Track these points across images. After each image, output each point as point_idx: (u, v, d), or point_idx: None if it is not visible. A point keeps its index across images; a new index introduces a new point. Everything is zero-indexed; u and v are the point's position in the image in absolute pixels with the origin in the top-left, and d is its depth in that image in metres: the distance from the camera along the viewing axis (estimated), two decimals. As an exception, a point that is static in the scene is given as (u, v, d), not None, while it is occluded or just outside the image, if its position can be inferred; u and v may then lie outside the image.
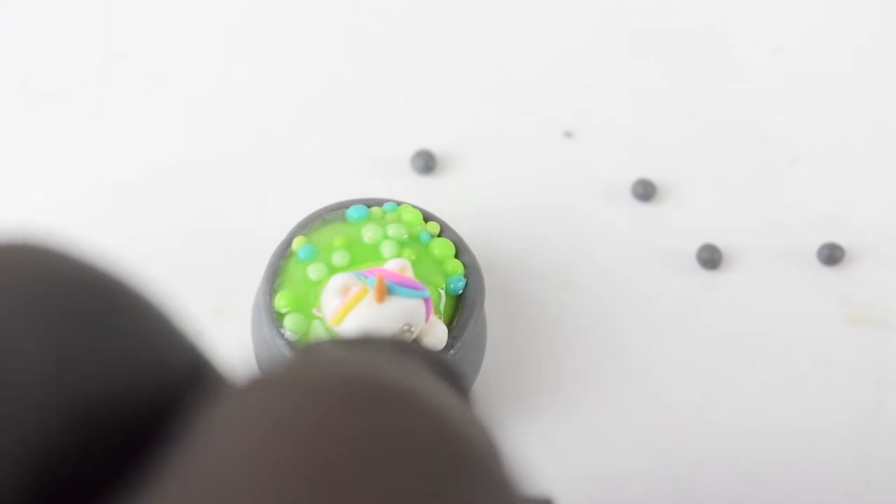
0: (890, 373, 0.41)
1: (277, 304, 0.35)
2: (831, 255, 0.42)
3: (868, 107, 0.47)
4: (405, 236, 0.36)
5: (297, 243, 0.36)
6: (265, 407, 0.18)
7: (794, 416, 0.40)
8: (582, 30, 0.48)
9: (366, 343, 0.23)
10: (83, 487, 0.19)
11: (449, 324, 0.35)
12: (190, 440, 0.18)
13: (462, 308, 0.36)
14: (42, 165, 0.44)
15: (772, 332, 0.41)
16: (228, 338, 0.40)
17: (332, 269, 0.35)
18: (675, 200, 0.44)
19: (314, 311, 0.35)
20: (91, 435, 0.19)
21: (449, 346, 0.35)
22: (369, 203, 0.37)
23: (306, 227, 0.37)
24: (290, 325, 0.35)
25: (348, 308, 0.33)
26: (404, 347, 0.23)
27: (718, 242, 0.43)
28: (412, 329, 0.34)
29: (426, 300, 0.34)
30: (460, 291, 0.36)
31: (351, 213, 0.37)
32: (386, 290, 0.33)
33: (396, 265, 0.34)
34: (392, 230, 0.36)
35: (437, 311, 0.35)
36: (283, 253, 0.36)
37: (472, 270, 0.36)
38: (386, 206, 0.37)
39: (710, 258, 0.42)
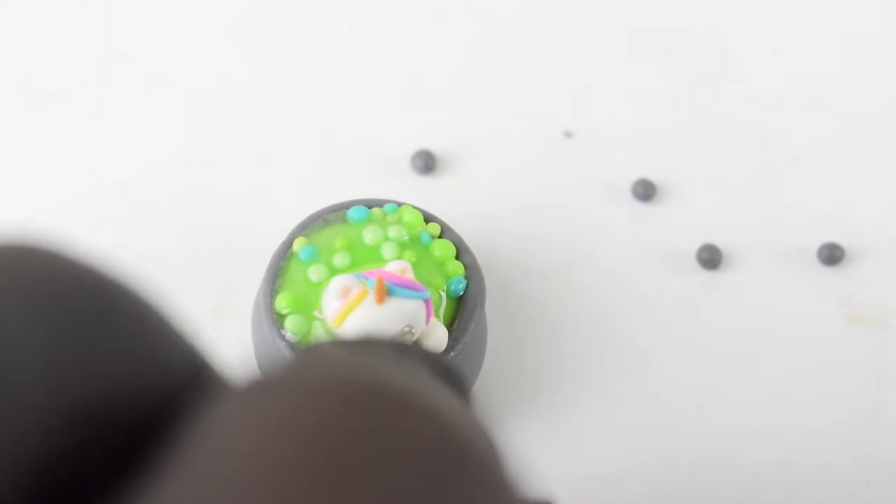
0: (890, 373, 0.41)
1: (278, 305, 0.35)
2: (831, 255, 0.42)
3: (868, 107, 0.47)
4: (406, 238, 0.36)
5: (298, 244, 0.36)
6: (265, 408, 0.18)
7: (794, 416, 0.40)
8: (582, 30, 0.48)
9: (366, 345, 0.23)
10: (83, 488, 0.19)
11: (449, 325, 0.35)
12: (190, 441, 0.18)
13: (463, 310, 0.36)
14: (42, 165, 0.44)
15: (772, 332, 0.41)
16: (228, 338, 0.40)
17: (333, 271, 0.35)
18: (675, 200, 0.44)
19: (315, 313, 0.35)
20: (91, 435, 0.19)
21: (449, 347, 0.35)
22: (370, 204, 0.37)
23: (307, 227, 0.37)
24: (291, 326, 0.35)
25: (349, 310, 0.33)
26: (405, 349, 0.23)
27: (718, 242, 0.43)
28: (413, 331, 0.34)
29: (426, 301, 0.34)
30: (461, 293, 0.36)
31: (352, 214, 0.37)
32: (386, 292, 0.33)
33: (397, 267, 0.34)
34: (393, 232, 0.36)
35: (438, 314, 0.35)
36: (284, 254, 0.36)
37: (472, 272, 0.36)
38: (386, 207, 0.37)
39: (710, 258, 0.42)
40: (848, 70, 0.48)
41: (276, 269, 0.36)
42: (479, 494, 0.19)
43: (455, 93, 0.46)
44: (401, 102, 0.46)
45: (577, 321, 0.41)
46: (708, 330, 0.41)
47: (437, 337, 0.34)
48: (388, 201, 0.38)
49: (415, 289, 0.33)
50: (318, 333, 0.35)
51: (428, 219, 0.37)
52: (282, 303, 0.35)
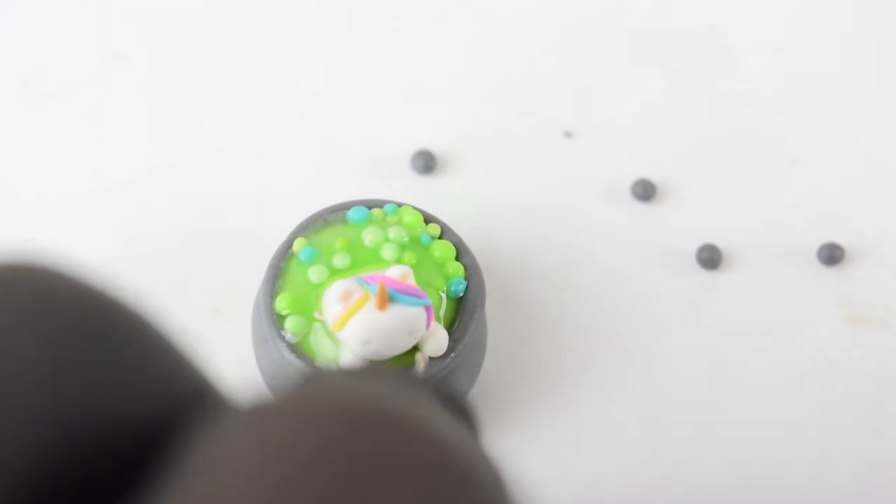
0: (890, 373, 0.41)
1: (278, 306, 0.35)
2: (831, 255, 0.42)
3: (868, 107, 0.47)
4: (406, 239, 0.36)
5: (298, 245, 0.36)
6: (267, 431, 0.18)
7: (794, 415, 0.40)
8: (582, 30, 0.48)
9: (368, 372, 0.23)
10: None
11: (449, 326, 0.35)
12: (191, 461, 0.18)
13: (463, 311, 0.36)
14: (42, 165, 0.44)
15: (772, 332, 0.41)
16: (228, 338, 0.40)
17: (333, 272, 0.35)
18: (675, 200, 0.44)
19: (315, 314, 0.35)
20: (89, 451, 0.19)
21: (450, 348, 0.35)
22: (370, 204, 0.37)
23: (307, 228, 0.37)
24: (291, 327, 0.35)
25: (349, 314, 0.33)
26: (407, 377, 0.23)
27: (718, 242, 0.43)
28: (413, 335, 0.34)
29: (427, 307, 0.34)
30: (461, 294, 0.36)
31: (352, 214, 0.37)
32: (387, 298, 0.33)
33: (398, 272, 0.34)
34: (393, 233, 0.36)
35: (438, 316, 0.35)
36: (284, 254, 0.36)
37: (472, 273, 0.36)
38: (387, 207, 0.37)
39: (710, 258, 0.42)
40: (848, 70, 0.48)
41: (276, 269, 0.36)
42: None
43: (455, 93, 0.46)
44: (401, 102, 0.46)
45: (577, 321, 0.41)
46: (708, 330, 0.41)
47: (437, 341, 0.34)
48: (388, 202, 0.37)
49: (416, 295, 0.33)
50: (319, 335, 0.35)
51: (428, 220, 0.37)
52: (282, 303, 0.35)
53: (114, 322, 0.20)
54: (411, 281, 0.34)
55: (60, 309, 0.19)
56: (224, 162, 0.44)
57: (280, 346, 0.35)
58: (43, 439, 0.18)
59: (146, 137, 0.45)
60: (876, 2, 0.50)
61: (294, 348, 0.35)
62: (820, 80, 0.47)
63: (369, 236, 0.36)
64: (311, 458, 0.17)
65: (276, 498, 0.17)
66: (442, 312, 0.35)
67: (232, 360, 0.39)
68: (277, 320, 0.35)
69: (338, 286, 0.34)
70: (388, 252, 0.36)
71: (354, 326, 0.33)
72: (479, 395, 0.39)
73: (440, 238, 0.37)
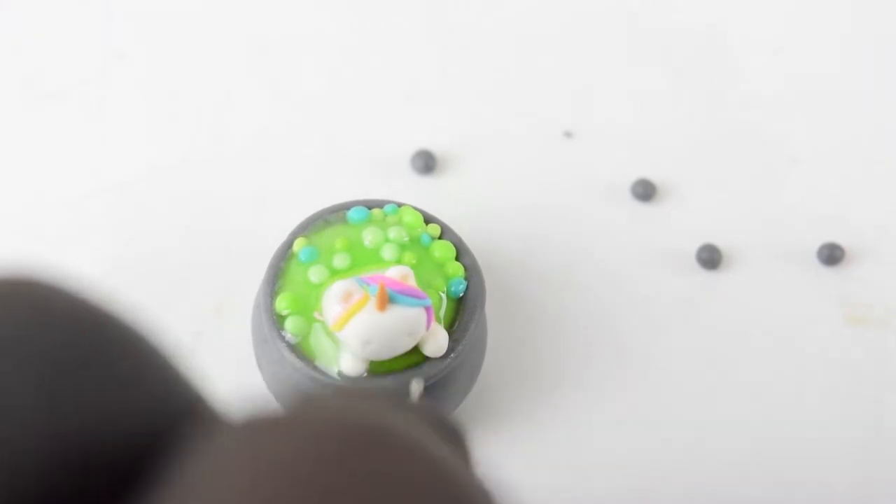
0: (890, 373, 0.41)
1: (278, 306, 0.35)
2: (831, 255, 0.42)
3: (868, 107, 0.47)
4: (406, 239, 0.36)
5: (298, 245, 0.36)
6: (260, 446, 0.18)
7: (794, 415, 0.40)
8: (582, 30, 0.48)
9: (364, 393, 0.23)
10: None
11: (449, 327, 0.35)
12: (184, 477, 0.18)
13: (463, 311, 0.36)
14: (42, 165, 0.44)
15: (772, 332, 0.41)
16: (228, 338, 0.40)
17: (333, 272, 0.35)
18: (675, 200, 0.44)
19: (315, 315, 0.35)
20: (84, 466, 0.19)
21: (449, 349, 0.35)
22: (370, 205, 0.37)
23: (307, 228, 0.37)
24: (291, 327, 0.35)
25: (350, 315, 0.33)
26: (404, 402, 0.23)
27: (718, 242, 0.43)
28: (413, 335, 0.34)
29: (427, 308, 0.34)
30: (461, 294, 0.36)
31: (352, 214, 0.37)
32: (387, 299, 0.33)
33: (398, 273, 0.34)
34: (393, 233, 0.36)
35: (438, 317, 0.35)
36: (284, 254, 0.36)
37: (472, 273, 0.36)
38: (387, 207, 0.37)
39: (710, 258, 0.42)
40: (848, 70, 0.48)
41: (276, 269, 0.36)
42: None
43: (455, 93, 0.46)
44: (401, 102, 0.46)
45: (577, 321, 0.41)
46: (708, 330, 0.41)
47: (437, 342, 0.34)
48: (389, 202, 0.37)
49: (416, 296, 0.33)
50: (319, 335, 0.35)
51: (428, 220, 0.37)
52: (282, 304, 0.35)
53: (109, 336, 0.20)
54: (411, 281, 0.34)
55: (57, 323, 0.19)
56: (224, 162, 0.44)
57: (280, 346, 0.35)
58: (39, 453, 0.18)
59: (146, 137, 0.45)
60: (876, 2, 0.50)
61: (294, 348, 0.35)
62: (820, 80, 0.47)
63: (369, 236, 0.36)
64: (308, 473, 0.17)
65: None
66: (442, 313, 0.35)
67: (232, 360, 0.39)
68: (277, 320, 0.35)
69: (338, 287, 0.34)
70: (388, 252, 0.36)
71: (354, 327, 0.33)
72: (479, 395, 0.39)
73: (440, 238, 0.37)
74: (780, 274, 0.42)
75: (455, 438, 0.24)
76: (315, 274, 0.35)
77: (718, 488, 0.38)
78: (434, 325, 0.34)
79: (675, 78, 0.47)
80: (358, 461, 0.18)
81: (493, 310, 0.40)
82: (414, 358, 0.35)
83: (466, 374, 0.37)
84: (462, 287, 0.36)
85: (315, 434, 0.18)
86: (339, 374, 0.34)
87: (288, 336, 0.35)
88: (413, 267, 0.35)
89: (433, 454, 0.19)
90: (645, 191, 0.44)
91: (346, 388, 0.24)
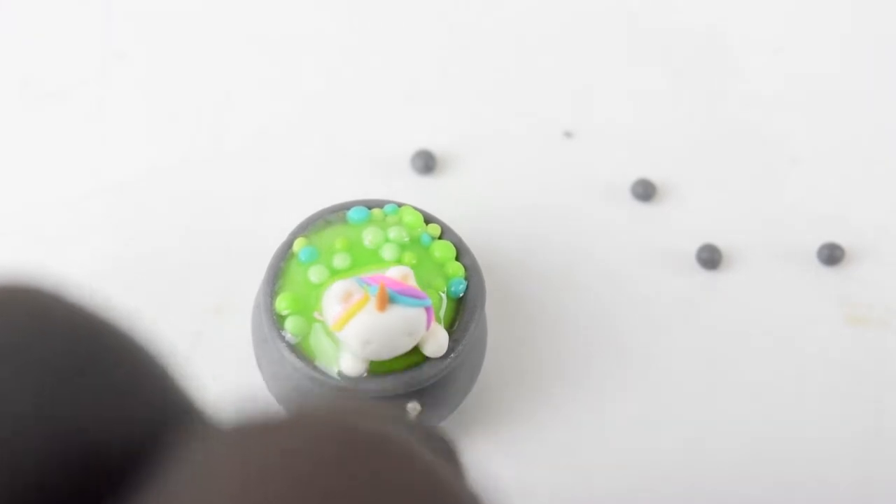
0: (890, 373, 0.41)
1: (278, 306, 0.35)
2: (831, 255, 0.42)
3: (868, 107, 0.47)
4: (406, 239, 0.36)
5: (298, 245, 0.36)
6: (252, 451, 0.18)
7: (794, 416, 0.40)
8: (582, 30, 0.48)
9: (359, 403, 0.23)
10: None
11: (450, 327, 0.35)
12: (175, 482, 0.18)
13: (463, 311, 0.36)
14: (42, 165, 0.44)
15: (772, 332, 0.41)
16: (228, 338, 0.40)
17: (333, 272, 0.35)
18: (675, 200, 0.44)
19: (315, 315, 0.35)
20: (78, 471, 0.19)
21: (449, 349, 0.35)
22: (370, 204, 0.37)
23: (307, 228, 0.37)
24: (291, 327, 0.35)
25: (350, 315, 0.33)
26: (400, 416, 0.23)
27: (718, 242, 0.43)
28: (413, 336, 0.34)
29: (427, 308, 0.34)
30: (461, 294, 0.36)
31: (352, 214, 0.37)
32: (388, 299, 0.33)
33: (398, 273, 0.34)
34: (393, 233, 0.36)
35: (438, 317, 0.35)
36: (284, 254, 0.36)
37: (472, 273, 0.36)
38: (387, 207, 0.37)
39: (710, 258, 0.42)
40: (848, 70, 0.48)
41: (276, 269, 0.36)
42: None
43: (455, 93, 0.46)
44: (401, 102, 0.46)
45: (577, 321, 0.41)
46: (708, 330, 0.41)
47: (437, 341, 0.34)
48: (389, 202, 0.37)
49: (416, 297, 0.33)
50: (318, 335, 0.35)
51: (428, 220, 0.37)
52: (282, 304, 0.35)
53: (106, 344, 0.20)
54: (412, 282, 0.34)
55: (55, 331, 0.20)
56: (224, 162, 0.44)
57: (280, 346, 0.35)
58: (38, 453, 0.18)
59: (146, 137, 0.45)
60: (876, 2, 0.50)
61: (294, 348, 0.35)
62: (820, 80, 0.47)
63: (369, 236, 0.36)
64: (308, 475, 0.17)
65: None
66: (442, 313, 0.35)
67: (232, 360, 0.39)
68: (277, 320, 0.35)
69: (338, 287, 0.34)
70: (388, 252, 0.36)
71: (354, 327, 0.33)
72: (479, 395, 0.39)
73: (440, 238, 0.37)
74: (780, 274, 0.42)
75: (448, 454, 0.24)
76: (315, 274, 0.35)
77: (718, 488, 0.38)
78: (434, 325, 0.34)
79: (675, 78, 0.47)
80: (358, 465, 0.18)
81: (493, 310, 0.40)
82: (414, 358, 0.35)
83: (466, 374, 0.37)
84: (462, 287, 0.36)
85: (315, 436, 0.18)
86: (339, 374, 0.34)
87: (288, 336, 0.35)
88: (413, 267, 0.35)
89: (431, 463, 0.19)
90: (645, 191, 0.44)
91: (342, 400, 0.24)
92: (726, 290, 0.42)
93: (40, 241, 0.42)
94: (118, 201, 0.43)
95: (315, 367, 0.35)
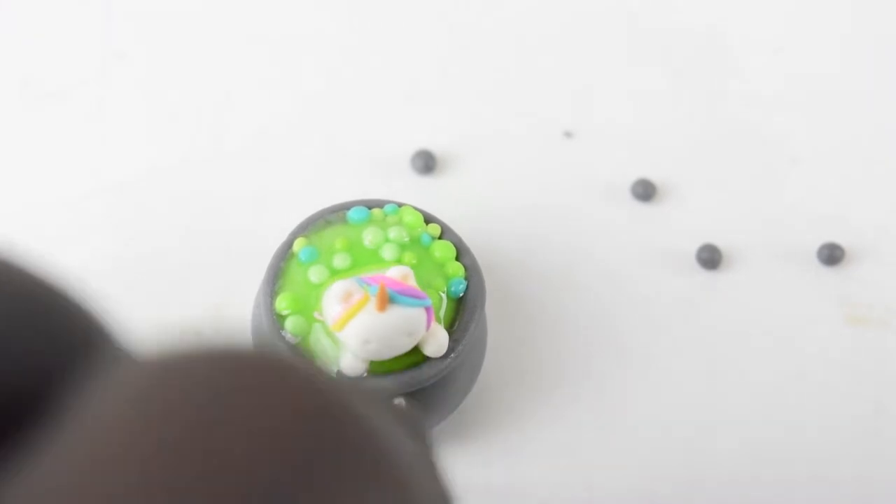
0: (890, 373, 0.41)
1: (278, 306, 0.35)
2: (831, 255, 0.42)
3: (868, 107, 0.47)
4: (406, 239, 0.36)
5: (298, 245, 0.36)
6: (160, 383, 0.18)
7: (794, 415, 0.40)
8: (582, 30, 0.48)
9: (307, 360, 0.23)
10: None
11: (450, 327, 0.35)
12: (73, 418, 0.18)
13: (463, 311, 0.36)
14: (42, 165, 0.44)
15: (772, 332, 0.41)
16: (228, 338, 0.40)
17: (333, 272, 0.35)
18: (675, 200, 0.44)
19: (315, 315, 0.35)
20: None
21: (450, 349, 0.35)
22: (370, 204, 0.37)
23: (307, 228, 0.37)
24: (291, 327, 0.35)
25: (350, 315, 0.33)
26: (374, 393, 0.23)
27: (718, 242, 0.43)
28: (413, 336, 0.34)
29: (427, 308, 0.34)
30: (461, 294, 0.36)
31: (352, 214, 0.37)
32: (388, 299, 0.33)
33: (398, 273, 0.34)
34: (393, 233, 0.36)
35: (438, 317, 0.35)
36: (284, 254, 0.36)
37: (472, 273, 0.36)
38: (387, 207, 0.37)
39: (710, 258, 0.42)
40: (848, 70, 0.48)
41: (276, 269, 0.36)
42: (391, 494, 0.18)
43: (455, 93, 0.46)
44: (401, 102, 0.46)
45: (577, 321, 0.41)
46: (708, 330, 0.41)
47: (437, 341, 0.34)
48: (389, 202, 0.37)
49: (416, 297, 0.33)
50: (319, 335, 0.35)
51: (428, 220, 0.37)
52: (282, 304, 0.35)
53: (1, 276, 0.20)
54: (412, 282, 0.34)
55: None
56: (224, 162, 0.44)
57: (280, 346, 0.35)
58: None
59: (146, 137, 0.45)
60: (876, 2, 0.50)
61: (294, 348, 0.35)
62: (820, 80, 0.47)
63: (369, 236, 0.36)
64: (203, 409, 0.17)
65: (163, 460, 0.16)
66: (442, 313, 0.35)
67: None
68: (277, 320, 0.35)
69: (338, 287, 0.34)
70: (388, 252, 0.36)
71: (354, 327, 0.33)
72: (479, 395, 0.39)
73: (440, 238, 0.37)
74: (780, 274, 0.42)
75: (419, 434, 0.23)
76: (315, 274, 0.35)
77: (718, 488, 0.38)
78: (434, 325, 0.34)
79: (675, 78, 0.47)
80: (249, 395, 0.17)
81: (493, 310, 0.40)
82: (414, 358, 0.35)
83: (466, 374, 0.37)
84: (462, 287, 0.36)
85: (231, 369, 0.18)
86: (339, 374, 0.34)
87: (288, 336, 0.35)
88: (413, 267, 0.35)
89: (381, 433, 0.19)
90: (645, 191, 0.44)
91: (299, 355, 0.23)
92: (726, 290, 0.42)
93: (40, 241, 0.42)
94: (118, 201, 0.43)
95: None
